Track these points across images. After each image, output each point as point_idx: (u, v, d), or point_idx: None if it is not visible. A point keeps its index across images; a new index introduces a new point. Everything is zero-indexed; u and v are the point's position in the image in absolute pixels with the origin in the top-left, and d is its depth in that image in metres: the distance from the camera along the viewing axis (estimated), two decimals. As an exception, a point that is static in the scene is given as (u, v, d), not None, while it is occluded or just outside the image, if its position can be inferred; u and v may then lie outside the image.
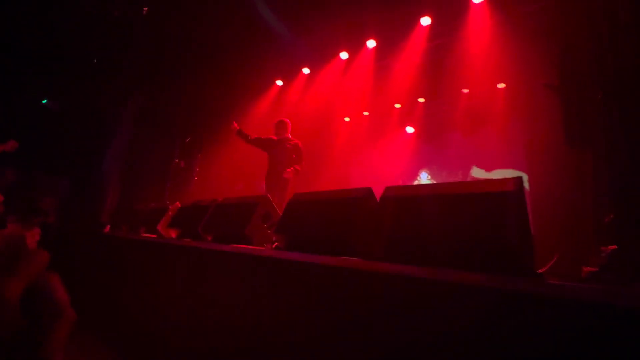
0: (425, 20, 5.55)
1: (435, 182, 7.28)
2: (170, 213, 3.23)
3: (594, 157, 1.94)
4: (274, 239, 2.10)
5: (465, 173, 7.24)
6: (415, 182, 7.67)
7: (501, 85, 6.32)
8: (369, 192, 1.74)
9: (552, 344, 0.90)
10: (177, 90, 6.61)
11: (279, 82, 7.66)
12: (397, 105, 7.84)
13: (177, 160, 6.03)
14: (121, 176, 5.69)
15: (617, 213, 1.64)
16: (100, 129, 5.79)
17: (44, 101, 6.21)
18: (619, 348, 0.81)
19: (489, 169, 6.90)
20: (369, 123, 8.39)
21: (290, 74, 7.36)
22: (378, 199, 1.64)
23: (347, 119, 8.63)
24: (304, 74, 7.30)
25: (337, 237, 1.70)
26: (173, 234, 2.95)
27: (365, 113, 8.35)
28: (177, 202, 3.34)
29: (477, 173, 7.07)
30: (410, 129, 8.04)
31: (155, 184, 5.92)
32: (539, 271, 1.22)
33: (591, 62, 1.94)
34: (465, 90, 6.74)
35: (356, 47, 6.39)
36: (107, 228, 4.16)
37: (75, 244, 4.10)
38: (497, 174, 6.74)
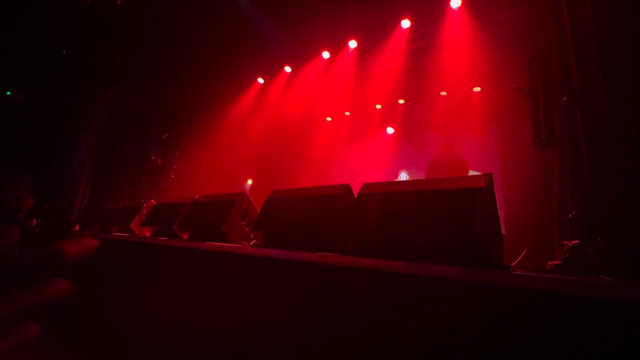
0: (405, 23, 5.67)
1: (413, 182, 7.45)
2: (144, 211, 3.13)
3: (559, 158, 2.05)
4: (251, 236, 2.07)
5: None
6: (395, 182, 7.80)
7: (477, 89, 6.55)
8: (346, 188, 1.76)
9: (517, 330, 0.94)
10: (154, 85, 6.40)
11: (261, 80, 7.59)
12: (378, 106, 7.96)
13: (153, 157, 5.84)
14: (92, 173, 5.44)
15: (578, 210, 1.73)
16: (68, 123, 5.50)
17: (8, 93, 5.84)
18: (573, 330, 0.86)
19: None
20: (351, 123, 8.47)
21: (271, 72, 7.31)
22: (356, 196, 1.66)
23: (328, 119, 8.67)
24: (285, 72, 7.26)
25: (314, 233, 1.70)
26: (147, 232, 2.85)
27: (347, 113, 8.42)
28: (152, 200, 3.24)
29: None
30: (390, 130, 8.18)
31: (130, 181, 5.70)
32: (512, 264, 1.27)
33: (558, 67, 2.05)
34: (443, 93, 6.94)
35: (338, 46, 6.43)
36: (77, 227, 3.97)
37: (43, 244, 3.88)
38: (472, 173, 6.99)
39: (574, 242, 1.57)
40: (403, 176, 7.80)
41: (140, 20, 5.52)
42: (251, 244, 2.02)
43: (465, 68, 5.67)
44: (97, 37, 5.43)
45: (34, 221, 3.94)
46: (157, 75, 6.30)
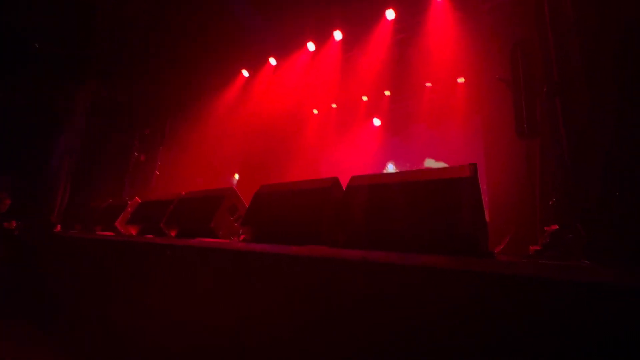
0: (390, 14, 5.65)
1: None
2: (129, 209, 3.06)
3: (541, 147, 2.11)
4: (240, 231, 2.06)
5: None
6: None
7: (461, 80, 6.62)
8: (335, 181, 1.76)
9: (506, 314, 0.97)
10: (135, 79, 6.19)
11: (245, 73, 7.46)
12: (364, 98, 7.96)
13: (136, 154, 5.68)
14: (72, 172, 5.25)
15: (559, 196, 1.79)
16: (46, 120, 5.27)
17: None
18: (556, 313, 0.89)
19: (447, 160, 7.25)
20: (337, 115, 8.45)
21: (256, 64, 7.19)
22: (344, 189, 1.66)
23: (315, 111, 8.62)
24: (270, 64, 7.16)
25: (304, 227, 1.70)
26: (133, 230, 2.80)
27: (334, 105, 8.39)
28: (137, 198, 3.16)
29: (435, 164, 7.42)
30: (377, 121, 8.20)
31: (113, 179, 5.54)
32: (496, 250, 1.31)
33: (539, 58, 2.09)
34: (428, 84, 6.99)
35: (323, 37, 6.36)
36: (58, 228, 3.85)
37: (24, 245, 3.76)
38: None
39: (553, 227, 1.63)
40: (390, 167, 7.87)
41: (119, 12, 5.31)
42: (241, 239, 2.01)
43: (450, 59, 5.71)
44: (73, 30, 5.19)
45: (14, 223, 3.80)
46: (138, 69, 6.10)
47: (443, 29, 5.48)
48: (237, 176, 8.76)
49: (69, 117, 5.47)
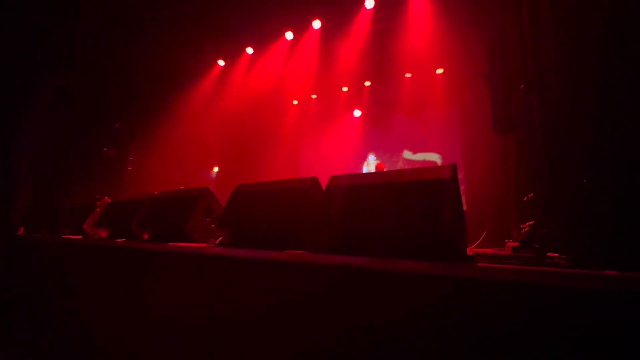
0: (370, 3, 5.57)
1: (380, 162, 7.57)
2: (98, 210, 2.89)
3: (517, 142, 2.14)
4: (217, 234, 1.98)
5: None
6: (364, 164, 7.89)
7: (440, 71, 6.67)
8: (314, 182, 1.71)
9: (482, 319, 0.97)
10: (103, 70, 5.81)
11: (221, 62, 7.18)
12: (345, 89, 7.89)
13: (105, 149, 5.36)
14: (34, 169, 4.89)
15: (535, 192, 1.82)
16: (4, 115, 4.85)
17: None
18: (531, 318, 0.90)
19: (425, 150, 7.36)
20: (317, 106, 8.35)
21: (232, 53, 6.93)
22: (324, 188, 1.62)
23: (295, 102, 8.48)
24: (247, 53, 6.92)
25: (283, 229, 1.65)
26: (103, 233, 2.65)
27: (314, 96, 8.28)
28: (107, 197, 2.99)
29: (414, 156, 7.53)
30: (357, 112, 8.17)
31: (81, 177, 5.22)
32: (472, 246, 1.31)
33: (516, 53, 2.10)
34: (408, 75, 7.00)
35: (301, 26, 6.20)
36: (21, 230, 3.61)
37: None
38: (429, 156, 7.29)
39: (529, 223, 1.66)
40: (371, 158, 7.90)
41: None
42: (217, 242, 1.93)
43: (429, 50, 5.73)
44: (34, 16, 4.77)
45: None
46: (107, 59, 5.72)
47: (422, 19, 5.46)
48: (216, 169, 8.54)
49: (29, 110, 5.07)
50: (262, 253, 1.49)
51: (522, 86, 1.81)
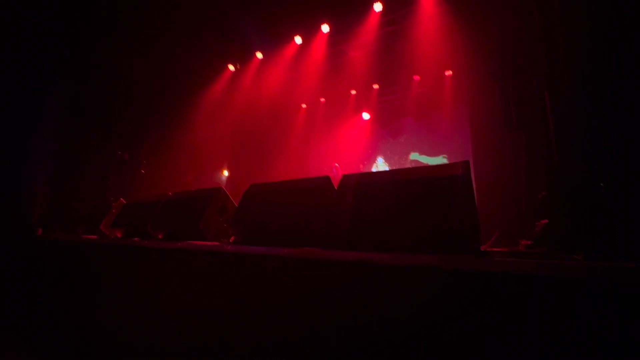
0: (378, 6, 5.60)
1: (389, 166, 7.55)
2: (113, 211, 2.96)
3: (529, 140, 2.12)
4: (230, 232, 2.02)
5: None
6: (373, 167, 7.88)
7: (448, 72, 6.64)
8: (326, 181, 1.73)
9: (502, 313, 0.97)
10: (117, 75, 5.97)
11: (231, 67, 7.30)
12: (353, 92, 7.92)
13: (119, 152, 5.49)
14: (52, 172, 5.03)
15: (549, 190, 1.81)
16: (19, 120, 5.01)
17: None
18: (551, 310, 0.90)
19: (434, 153, 7.31)
20: (326, 109, 8.40)
21: (242, 58, 7.04)
22: (336, 187, 1.64)
23: (304, 106, 8.54)
24: (257, 58, 7.02)
25: (295, 227, 1.67)
26: (118, 233, 2.71)
27: (322, 99, 8.33)
28: (121, 199, 3.07)
29: (419, 158, 7.48)
30: (366, 115, 8.18)
31: (94, 179, 5.35)
32: (485, 246, 1.30)
33: (526, 51, 2.09)
34: (416, 77, 6.99)
35: (310, 31, 6.27)
36: (40, 231, 3.71)
37: (4, 250, 3.60)
38: (437, 160, 7.23)
39: (544, 221, 1.64)
40: (380, 161, 7.88)
41: (98, 5, 5.08)
42: (230, 240, 1.96)
43: (438, 51, 5.72)
44: (48, 23, 4.94)
45: None
46: (120, 65, 5.88)
47: (430, 20, 5.47)
48: (226, 172, 8.64)
49: (47, 115, 5.23)
50: (276, 250, 1.51)
51: (534, 83, 1.81)
